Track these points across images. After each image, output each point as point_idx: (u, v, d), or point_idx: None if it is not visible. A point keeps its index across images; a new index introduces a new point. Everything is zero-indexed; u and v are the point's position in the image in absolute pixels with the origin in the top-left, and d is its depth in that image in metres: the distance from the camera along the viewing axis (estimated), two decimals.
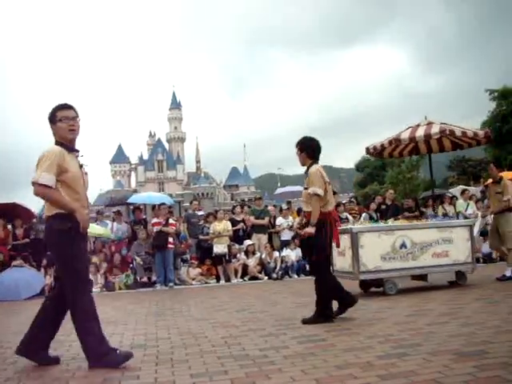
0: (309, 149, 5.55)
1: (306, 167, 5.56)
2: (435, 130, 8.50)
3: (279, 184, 69.26)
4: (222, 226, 11.91)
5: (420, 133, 8.60)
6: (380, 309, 5.96)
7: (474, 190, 16.46)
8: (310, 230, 5.30)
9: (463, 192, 14.68)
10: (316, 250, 5.36)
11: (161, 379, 3.39)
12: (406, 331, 4.48)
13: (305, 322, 5.26)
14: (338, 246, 5.74)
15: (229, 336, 4.82)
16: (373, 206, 13.28)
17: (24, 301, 9.71)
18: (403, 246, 7.31)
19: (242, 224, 12.59)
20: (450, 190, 18.36)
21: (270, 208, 14.09)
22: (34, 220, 13.30)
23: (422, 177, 49.05)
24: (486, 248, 12.70)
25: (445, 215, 13.53)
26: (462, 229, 7.83)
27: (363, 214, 13.37)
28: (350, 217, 13.17)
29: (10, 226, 12.09)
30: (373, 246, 7.15)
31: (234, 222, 12.49)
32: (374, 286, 7.64)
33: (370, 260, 7.12)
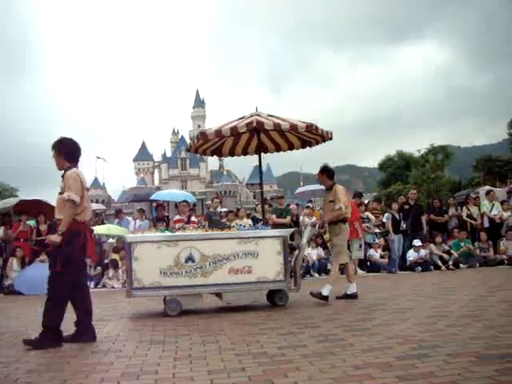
0: (65, 150, 4.96)
1: (63, 171, 4.92)
2: (243, 123, 7.42)
3: (302, 183, 69.09)
4: (244, 223, 11.94)
5: (227, 126, 7.50)
6: (400, 309, 5.91)
7: (499, 190, 16.16)
8: (55, 238, 4.66)
9: (488, 193, 14.46)
10: (61, 261, 4.68)
11: (179, 375, 3.41)
12: (427, 332, 4.43)
13: (26, 343, 4.60)
14: (93, 260, 4.96)
15: (247, 334, 4.83)
16: (395, 205, 13.16)
17: None
18: (190, 259, 6.31)
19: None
20: (478, 190, 18.06)
21: (291, 207, 14.05)
22: None
23: (447, 177, 48.50)
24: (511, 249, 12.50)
25: (459, 217, 13.36)
26: (271, 240, 6.66)
27: (385, 214, 13.27)
28: (371, 216, 13.07)
29: (33, 223, 12.31)
30: (150, 259, 6.21)
31: (255, 221, 12.48)
32: None
33: (147, 275, 6.20)
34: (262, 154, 9.15)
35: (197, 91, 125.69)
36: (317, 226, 7.82)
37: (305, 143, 8.72)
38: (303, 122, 7.51)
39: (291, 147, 8.97)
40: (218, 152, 9.14)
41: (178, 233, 6.80)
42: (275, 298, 6.75)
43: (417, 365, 3.36)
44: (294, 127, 7.43)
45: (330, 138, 8.19)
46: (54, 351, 4.40)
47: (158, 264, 6.25)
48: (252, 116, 7.61)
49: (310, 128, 7.52)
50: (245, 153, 9.22)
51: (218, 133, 7.49)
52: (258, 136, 8.42)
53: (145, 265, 6.22)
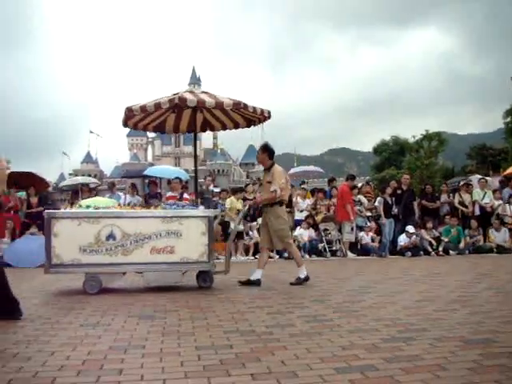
0: None
1: None
2: (167, 99, 7.27)
3: (295, 164, 68.99)
4: (239, 204, 12.06)
5: (152, 102, 7.32)
6: (389, 293, 5.95)
7: (491, 180, 16.23)
8: None
9: (480, 181, 14.53)
10: None
11: (166, 350, 3.42)
12: (414, 316, 4.47)
13: None
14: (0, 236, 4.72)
15: (236, 311, 4.84)
16: (388, 190, 13.20)
17: (37, 268, 9.86)
18: (111, 237, 6.17)
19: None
20: (470, 178, 18.15)
21: None
22: (50, 189, 13.43)
23: (441, 163, 48.61)
24: (499, 238, 12.61)
25: (461, 203, 13.43)
26: (196, 220, 6.44)
27: (378, 198, 13.31)
28: (364, 199, 13.13)
29: (23, 194, 12.29)
30: (70, 235, 6.10)
31: (245, 201, 12.57)
32: None
33: (66, 252, 6.09)
34: (217, 131, 9.57)
35: (193, 68, 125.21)
36: (246, 207, 7.81)
37: (250, 122, 8.58)
38: (231, 100, 7.35)
39: (237, 126, 8.89)
40: (160, 128, 9.09)
41: (100, 210, 6.61)
42: (199, 280, 6.64)
43: (403, 347, 3.38)
44: (220, 105, 7.25)
45: (269, 117, 8.06)
46: (42, 323, 4.39)
47: (78, 241, 6.13)
48: (188, 92, 7.52)
49: (238, 106, 7.36)
50: (190, 130, 9.14)
51: (143, 108, 7.34)
52: (196, 114, 8.29)
53: (64, 241, 6.10)
